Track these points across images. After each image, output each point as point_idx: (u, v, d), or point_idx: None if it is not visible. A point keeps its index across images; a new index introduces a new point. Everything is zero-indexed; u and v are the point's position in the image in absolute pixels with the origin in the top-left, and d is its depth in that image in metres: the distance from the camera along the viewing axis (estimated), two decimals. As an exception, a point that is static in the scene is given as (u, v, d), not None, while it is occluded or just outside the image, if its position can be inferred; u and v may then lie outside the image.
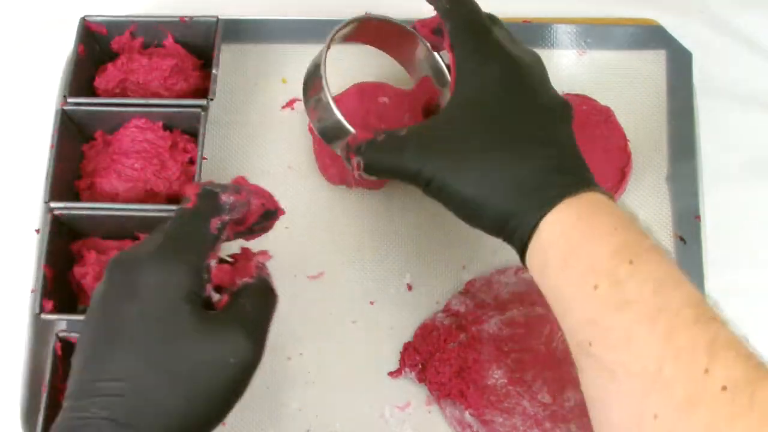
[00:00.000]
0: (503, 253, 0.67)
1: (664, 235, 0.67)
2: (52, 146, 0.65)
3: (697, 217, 0.67)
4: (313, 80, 0.60)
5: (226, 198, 0.48)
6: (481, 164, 0.50)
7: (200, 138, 0.65)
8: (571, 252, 0.46)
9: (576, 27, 0.73)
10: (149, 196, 0.65)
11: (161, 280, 0.44)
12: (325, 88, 0.58)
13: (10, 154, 0.72)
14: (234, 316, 0.45)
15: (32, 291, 0.64)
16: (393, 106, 0.68)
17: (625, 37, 0.73)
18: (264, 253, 0.51)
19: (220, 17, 0.70)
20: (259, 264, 0.50)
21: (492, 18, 0.57)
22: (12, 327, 0.65)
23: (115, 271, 0.46)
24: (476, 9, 0.55)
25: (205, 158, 0.66)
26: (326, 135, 0.60)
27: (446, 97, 0.60)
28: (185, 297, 0.44)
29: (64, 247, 0.64)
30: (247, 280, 0.48)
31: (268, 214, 0.52)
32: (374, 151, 0.54)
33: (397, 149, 0.52)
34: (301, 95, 0.71)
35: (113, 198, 0.66)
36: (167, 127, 0.68)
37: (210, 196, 0.48)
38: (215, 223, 0.47)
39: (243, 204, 0.49)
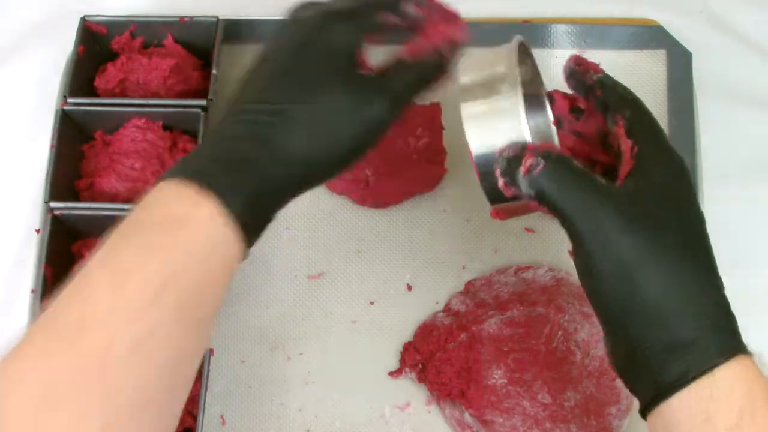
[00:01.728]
0: (503, 253, 0.67)
1: (664, 235, 0.67)
2: (52, 146, 0.65)
3: (697, 217, 0.67)
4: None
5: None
6: (677, 268, 0.44)
7: (200, 138, 0.65)
8: (755, 411, 0.41)
9: (576, 27, 0.73)
10: (149, 196, 0.65)
11: (331, 34, 0.49)
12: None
13: (10, 154, 0.72)
14: (380, 83, 0.49)
15: (32, 291, 0.64)
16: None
17: (625, 37, 0.73)
18: (456, 24, 0.52)
19: (220, 17, 0.70)
20: (444, 41, 0.51)
21: None
22: (12, 327, 0.65)
23: (293, 18, 0.52)
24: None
25: (205, 158, 0.66)
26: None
27: None
28: (345, 54, 0.49)
29: (64, 247, 0.64)
30: (403, 58, 0.51)
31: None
32: (565, 170, 0.46)
33: (595, 192, 0.45)
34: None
35: (113, 198, 0.66)
36: (167, 128, 0.68)
37: None
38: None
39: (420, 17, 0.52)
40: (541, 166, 0.45)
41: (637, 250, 0.43)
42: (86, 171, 0.67)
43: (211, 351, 0.60)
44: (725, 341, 0.43)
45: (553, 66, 0.72)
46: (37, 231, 0.67)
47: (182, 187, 0.44)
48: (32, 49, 0.75)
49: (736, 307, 0.65)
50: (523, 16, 0.74)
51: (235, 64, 0.73)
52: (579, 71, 0.52)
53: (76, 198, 0.66)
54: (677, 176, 0.47)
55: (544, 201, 0.46)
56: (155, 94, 0.68)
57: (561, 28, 0.73)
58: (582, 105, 0.53)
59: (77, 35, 0.68)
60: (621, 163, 0.48)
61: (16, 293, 0.66)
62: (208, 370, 0.60)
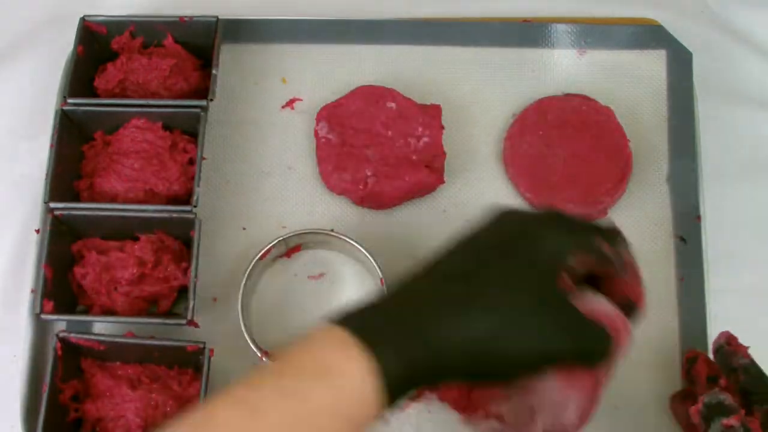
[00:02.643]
0: (503, 253, 0.67)
1: (664, 235, 0.67)
2: (52, 146, 0.65)
3: (698, 218, 0.67)
4: None
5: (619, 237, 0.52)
6: None
7: (200, 138, 0.65)
8: None
9: (576, 27, 0.73)
10: (149, 197, 0.65)
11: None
12: None
13: (10, 154, 0.72)
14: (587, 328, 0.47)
15: (32, 291, 0.64)
16: (401, 113, 0.68)
17: (625, 37, 0.73)
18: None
19: (220, 17, 0.69)
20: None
21: None
22: (12, 327, 0.65)
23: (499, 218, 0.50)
24: None
25: (204, 158, 0.66)
26: None
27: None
28: (554, 266, 0.47)
29: (64, 247, 0.64)
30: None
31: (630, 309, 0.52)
32: None
33: None
34: (300, 95, 0.72)
35: (113, 198, 0.66)
36: (167, 128, 0.68)
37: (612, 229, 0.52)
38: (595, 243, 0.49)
39: (609, 260, 0.50)
40: None
41: None
42: (86, 171, 0.67)
43: (211, 351, 0.60)
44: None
45: (554, 66, 0.72)
46: (37, 231, 0.67)
47: (342, 335, 0.43)
48: (32, 49, 0.75)
49: (736, 306, 0.66)
50: (523, 16, 0.74)
51: (235, 64, 0.73)
52: (727, 350, 0.54)
53: (76, 198, 0.66)
54: None
55: None
56: (155, 94, 0.68)
57: (561, 28, 0.73)
58: (722, 382, 0.55)
59: (77, 35, 0.68)
60: None
61: (16, 293, 0.66)
62: (208, 370, 0.60)
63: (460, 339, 0.44)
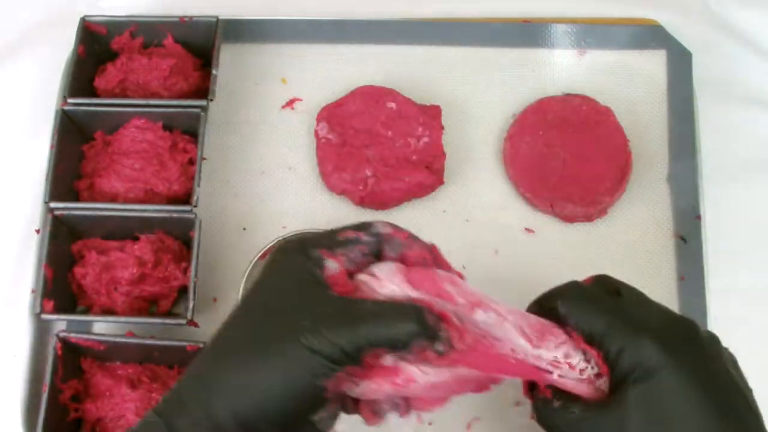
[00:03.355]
0: (503, 253, 0.67)
1: (665, 235, 0.67)
2: (52, 146, 0.65)
3: (698, 217, 0.67)
4: None
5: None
6: None
7: (200, 138, 0.65)
8: None
9: (576, 27, 0.73)
10: (149, 197, 0.65)
11: None
12: None
13: (10, 154, 0.72)
14: None
15: (32, 291, 0.64)
16: (401, 114, 0.68)
17: (625, 37, 0.73)
18: None
19: (220, 17, 0.69)
20: None
21: None
22: (12, 327, 0.65)
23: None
24: None
25: (204, 159, 0.66)
26: None
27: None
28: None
29: (64, 247, 0.64)
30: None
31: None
32: (546, 411, 0.48)
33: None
34: (300, 95, 0.72)
35: (113, 198, 0.66)
36: (167, 128, 0.68)
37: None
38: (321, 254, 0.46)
39: (400, 244, 0.48)
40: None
41: None
42: (86, 171, 0.67)
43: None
44: None
45: (554, 66, 0.72)
46: (37, 231, 0.67)
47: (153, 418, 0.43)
48: (32, 49, 0.75)
49: (736, 306, 0.66)
50: (523, 16, 0.74)
51: (235, 64, 0.73)
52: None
53: (76, 198, 0.66)
54: None
55: None
56: (155, 94, 0.68)
57: (561, 28, 0.73)
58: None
59: (77, 35, 0.68)
60: None
61: (16, 293, 0.66)
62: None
63: (229, 407, 0.43)
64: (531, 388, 0.49)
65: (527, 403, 0.49)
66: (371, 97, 0.69)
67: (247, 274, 0.63)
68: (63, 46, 0.71)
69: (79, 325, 0.64)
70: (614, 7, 0.74)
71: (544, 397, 0.47)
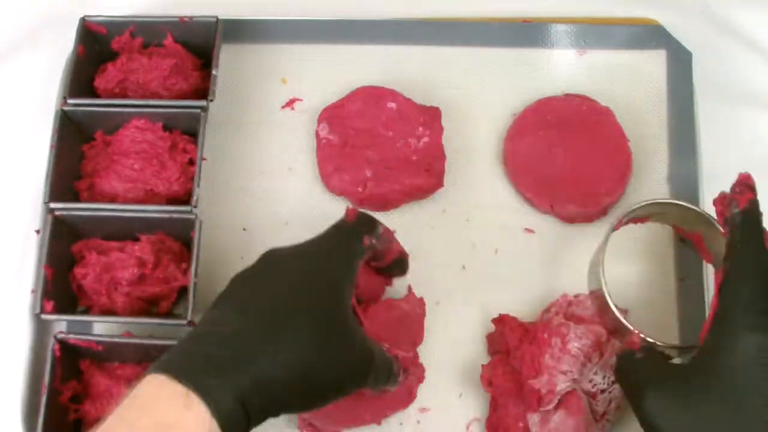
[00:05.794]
0: (503, 252, 0.67)
1: (665, 236, 0.67)
2: (52, 146, 0.65)
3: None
4: (595, 270, 0.59)
5: (378, 226, 0.56)
6: None
7: (200, 138, 0.65)
8: None
9: (575, 27, 0.73)
10: (149, 197, 0.65)
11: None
12: (603, 285, 0.57)
13: (10, 154, 0.72)
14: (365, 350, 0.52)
15: (32, 291, 0.64)
16: (401, 114, 0.68)
17: (625, 37, 0.73)
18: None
19: (220, 17, 0.69)
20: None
21: None
22: (12, 327, 0.65)
23: (267, 258, 0.52)
24: None
25: (204, 159, 0.66)
26: (606, 323, 0.59)
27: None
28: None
29: (64, 247, 0.64)
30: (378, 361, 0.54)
31: (402, 263, 0.61)
32: (628, 363, 0.52)
33: (647, 380, 0.49)
34: (300, 95, 0.72)
35: (113, 198, 0.66)
36: (167, 128, 0.68)
37: (367, 218, 0.56)
38: (367, 241, 0.55)
39: (387, 240, 0.57)
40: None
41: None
42: (86, 171, 0.67)
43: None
44: None
45: (554, 66, 0.72)
46: (37, 231, 0.67)
47: (171, 385, 0.43)
48: (32, 49, 0.75)
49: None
50: (523, 16, 0.74)
51: (235, 64, 0.73)
52: (728, 196, 0.53)
53: (76, 198, 0.66)
54: None
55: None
56: (155, 94, 0.68)
57: (561, 28, 0.73)
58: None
59: (77, 35, 0.68)
60: None
61: (16, 293, 0.66)
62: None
63: (284, 358, 0.46)
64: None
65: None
66: (372, 97, 0.69)
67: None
68: (63, 46, 0.71)
69: (79, 326, 0.64)
70: (614, 7, 0.74)
71: (629, 349, 0.51)
